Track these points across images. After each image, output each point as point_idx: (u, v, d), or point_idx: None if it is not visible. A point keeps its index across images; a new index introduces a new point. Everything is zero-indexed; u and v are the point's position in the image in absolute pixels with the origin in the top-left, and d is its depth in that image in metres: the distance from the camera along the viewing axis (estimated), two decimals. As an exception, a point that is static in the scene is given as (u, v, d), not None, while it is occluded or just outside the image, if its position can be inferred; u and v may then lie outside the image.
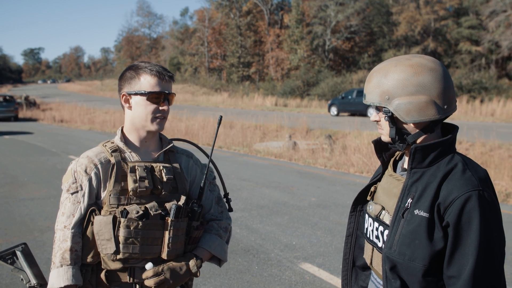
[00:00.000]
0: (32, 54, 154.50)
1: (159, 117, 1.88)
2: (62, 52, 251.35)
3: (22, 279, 1.94)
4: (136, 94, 1.87)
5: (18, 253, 1.95)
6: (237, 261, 5.16)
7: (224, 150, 15.46)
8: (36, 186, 9.14)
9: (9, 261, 1.95)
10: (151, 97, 1.86)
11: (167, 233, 1.83)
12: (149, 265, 1.80)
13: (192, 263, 1.89)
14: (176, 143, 2.12)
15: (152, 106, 1.87)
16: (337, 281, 4.62)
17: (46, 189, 8.80)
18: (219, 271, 4.86)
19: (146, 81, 1.86)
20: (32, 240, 5.69)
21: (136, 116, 1.89)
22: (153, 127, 1.89)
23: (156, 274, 1.81)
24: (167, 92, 1.87)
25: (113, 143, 1.94)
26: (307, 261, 5.22)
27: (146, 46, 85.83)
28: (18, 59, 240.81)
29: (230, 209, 2.15)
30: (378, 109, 1.60)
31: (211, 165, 2.08)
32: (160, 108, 1.87)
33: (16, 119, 28.52)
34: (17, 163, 12.06)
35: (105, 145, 1.93)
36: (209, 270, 4.84)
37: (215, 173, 2.14)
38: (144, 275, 1.82)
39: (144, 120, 1.88)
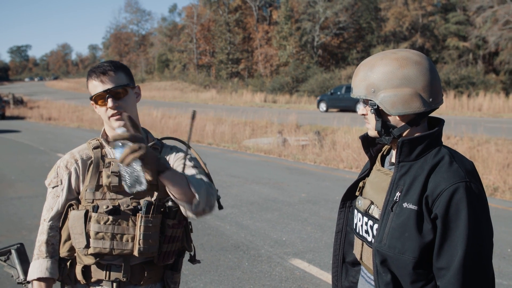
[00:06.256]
0: (18, 51, 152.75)
1: (113, 114, 1.84)
2: (49, 49, 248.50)
3: (12, 276, 2.04)
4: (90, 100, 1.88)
5: (13, 251, 2.07)
6: (227, 258, 5.16)
7: (214, 147, 15.43)
8: (24, 184, 9.07)
9: (4, 259, 2.08)
10: (95, 100, 1.84)
11: (138, 229, 1.80)
12: (121, 129, 1.52)
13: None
14: (166, 142, 2.09)
15: (102, 108, 1.85)
16: (327, 276, 4.63)
17: (34, 187, 8.73)
18: (209, 267, 4.86)
19: (90, 85, 1.85)
20: (20, 239, 5.63)
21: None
22: (114, 125, 1.86)
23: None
24: (108, 89, 1.80)
25: (98, 140, 1.96)
26: (297, 257, 5.23)
27: (134, 43, 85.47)
28: (5, 57, 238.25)
29: (220, 207, 2.06)
30: (365, 102, 1.60)
31: (196, 156, 2.04)
32: (107, 107, 1.83)
33: (3, 117, 28.23)
34: (5, 162, 11.95)
35: (90, 142, 1.96)
36: (199, 267, 4.83)
37: (201, 163, 2.03)
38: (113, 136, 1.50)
39: (106, 122, 1.88)
